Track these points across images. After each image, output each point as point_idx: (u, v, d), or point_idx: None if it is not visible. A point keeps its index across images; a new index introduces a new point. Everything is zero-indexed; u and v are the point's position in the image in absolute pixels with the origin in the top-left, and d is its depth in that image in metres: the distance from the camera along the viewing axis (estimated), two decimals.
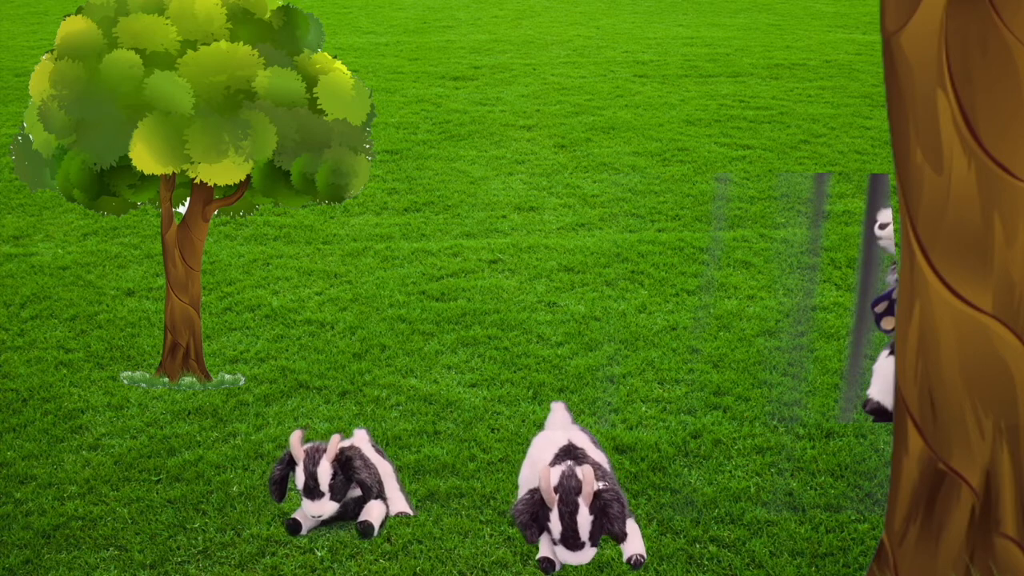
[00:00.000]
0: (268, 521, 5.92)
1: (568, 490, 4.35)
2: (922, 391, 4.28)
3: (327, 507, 4.79)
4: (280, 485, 4.88)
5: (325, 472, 4.76)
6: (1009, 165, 4.03)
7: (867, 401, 4.93)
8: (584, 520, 4.35)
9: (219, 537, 5.83)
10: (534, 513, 4.42)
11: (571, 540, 4.35)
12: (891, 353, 4.87)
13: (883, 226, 4.98)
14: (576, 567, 5.46)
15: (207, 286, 8.75)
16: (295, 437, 4.81)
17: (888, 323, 4.94)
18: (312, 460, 4.78)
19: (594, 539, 4.38)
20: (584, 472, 4.37)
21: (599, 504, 4.36)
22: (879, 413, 4.89)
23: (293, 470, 4.83)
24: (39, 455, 6.59)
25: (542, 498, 4.42)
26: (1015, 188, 4.03)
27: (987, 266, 4.11)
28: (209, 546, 5.77)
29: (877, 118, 13.20)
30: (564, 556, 4.41)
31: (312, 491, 4.77)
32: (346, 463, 4.83)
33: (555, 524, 4.36)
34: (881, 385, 4.90)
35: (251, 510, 6.03)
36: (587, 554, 4.39)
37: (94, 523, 5.96)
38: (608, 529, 4.41)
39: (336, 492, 4.79)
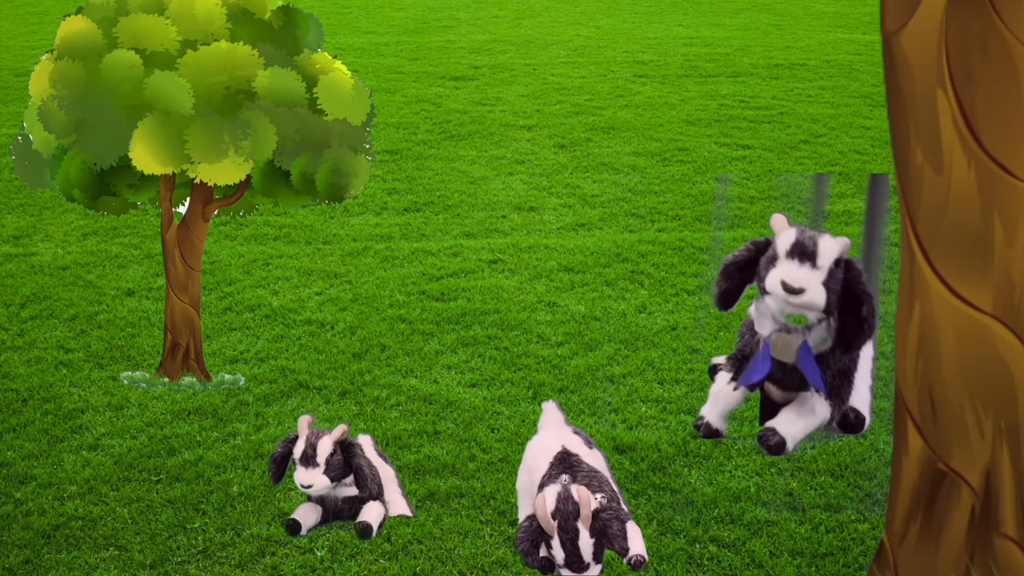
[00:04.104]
0: (268, 521, 5.92)
1: (566, 515, 4.37)
2: (922, 391, 4.28)
3: (319, 479, 4.71)
4: (280, 464, 4.82)
5: (325, 447, 4.73)
6: (1009, 165, 4.03)
7: (698, 419, 4.78)
8: (586, 544, 4.38)
9: (219, 537, 5.83)
10: (535, 541, 4.47)
11: (576, 565, 4.39)
12: (733, 379, 4.62)
13: (794, 291, 4.18)
14: None
15: (207, 286, 8.75)
16: (303, 420, 4.81)
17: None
18: (315, 435, 4.76)
19: (598, 557, 4.42)
20: (580, 494, 4.39)
21: (598, 525, 4.39)
22: (708, 433, 4.75)
23: (294, 450, 4.80)
24: (39, 455, 6.59)
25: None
26: (1015, 188, 4.03)
27: (987, 266, 4.11)
28: (209, 546, 5.77)
29: (877, 118, 13.20)
30: None
31: (308, 459, 4.71)
32: (348, 446, 4.81)
33: (558, 551, 4.40)
34: (713, 407, 4.70)
35: (251, 510, 6.03)
36: (593, 573, 4.44)
37: (94, 523, 5.96)
38: (610, 547, 4.45)
39: (331, 468, 4.72)
